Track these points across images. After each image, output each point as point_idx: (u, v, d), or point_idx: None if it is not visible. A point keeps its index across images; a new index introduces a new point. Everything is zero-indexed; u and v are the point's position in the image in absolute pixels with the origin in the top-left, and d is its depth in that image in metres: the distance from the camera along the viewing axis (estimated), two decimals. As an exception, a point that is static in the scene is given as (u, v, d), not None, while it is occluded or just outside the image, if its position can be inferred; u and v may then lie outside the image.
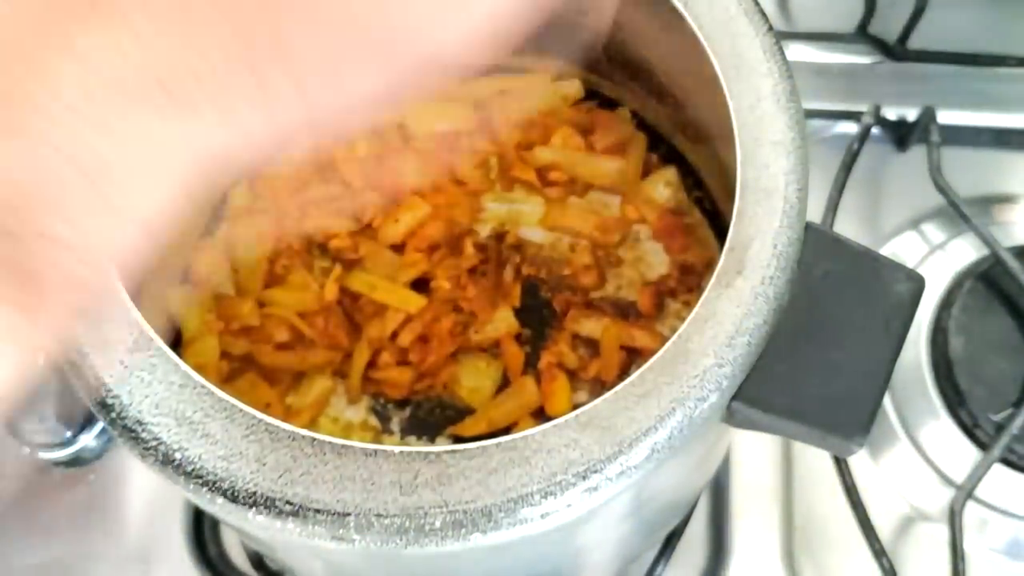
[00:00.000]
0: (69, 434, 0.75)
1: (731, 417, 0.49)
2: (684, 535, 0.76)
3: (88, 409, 0.73)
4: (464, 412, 0.72)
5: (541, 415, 0.71)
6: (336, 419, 0.71)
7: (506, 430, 0.70)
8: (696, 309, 0.48)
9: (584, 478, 0.44)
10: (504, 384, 0.72)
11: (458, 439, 0.71)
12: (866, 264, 0.51)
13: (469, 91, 0.78)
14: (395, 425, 0.72)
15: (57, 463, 0.77)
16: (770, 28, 0.54)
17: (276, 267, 0.74)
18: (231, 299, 0.71)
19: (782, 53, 0.54)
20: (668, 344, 0.47)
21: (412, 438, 0.72)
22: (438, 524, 0.43)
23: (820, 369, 0.49)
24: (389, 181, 0.75)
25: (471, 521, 0.44)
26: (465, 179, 0.76)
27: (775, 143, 0.51)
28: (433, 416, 0.72)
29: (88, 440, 0.76)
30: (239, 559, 0.77)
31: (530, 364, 0.72)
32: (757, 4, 0.55)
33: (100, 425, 0.76)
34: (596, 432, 0.45)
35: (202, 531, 0.77)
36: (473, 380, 0.72)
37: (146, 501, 0.77)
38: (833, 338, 0.50)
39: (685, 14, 0.55)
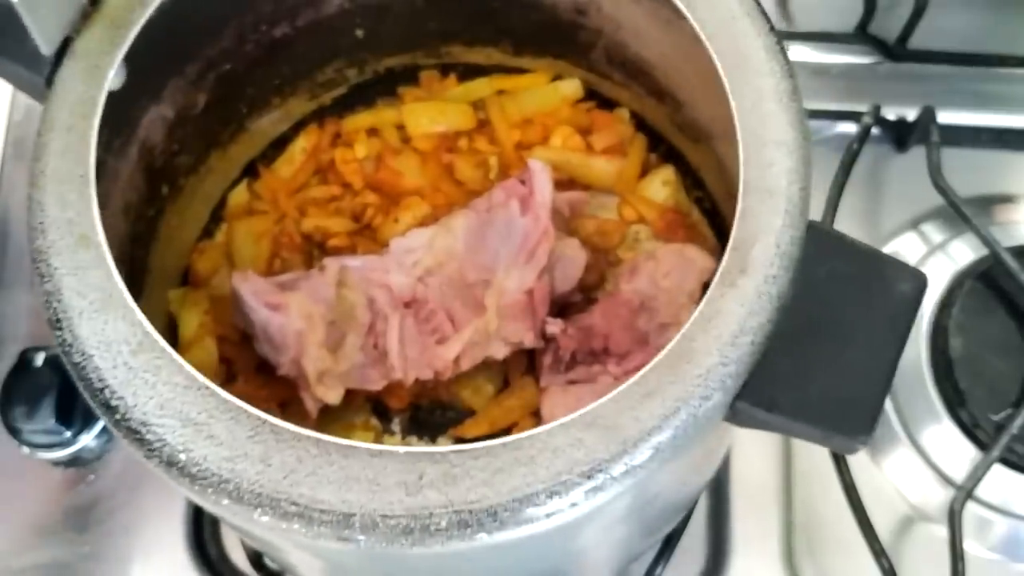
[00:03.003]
0: (69, 434, 0.75)
1: (734, 416, 0.49)
2: (684, 535, 0.76)
3: (88, 409, 0.74)
4: (465, 413, 0.72)
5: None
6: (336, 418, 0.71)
7: (507, 430, 0.70)
8: (699, 308, 0.48)
9: (589, 477, 0.44)
10: (504, 385, 0.72)
11: (460, 440, 0.71)
12: (868, 262, 0.51)
13: (469, 91, 0.78)
14: (396, 425, 0.72)
15: (57, 463, 0.77)
16: (772, 28, 0.54)
17: (274, 265, 0.74)
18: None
19: (784, 53, 0.54)
20: (672, 343, 0.47)
21: (413, 438, 0.72)
22: (444, 524, 0.43)
23: (823, 367, 0.49)
24: (388, 181, 0.75)
25: (477, 521, 0.44)
26: (465, 179, 0.76)
27: (777, 143, 0.51)
28: (434, 417, 0.73)
29: (88, 440, 0.76)
30: (239, 559, 0.77)
31: (531, 365, 0.72)
32: (759, 4, 0.55)
33: (100, 425, 0.76)
34: (600, 432, 0.45)
35: (202, 531, 0.77)
36: (474, 382, 0.72)
37: (146, 501, 0.77)
38: (836, 336, 0.49)
39: (687, 15, 0.55)
